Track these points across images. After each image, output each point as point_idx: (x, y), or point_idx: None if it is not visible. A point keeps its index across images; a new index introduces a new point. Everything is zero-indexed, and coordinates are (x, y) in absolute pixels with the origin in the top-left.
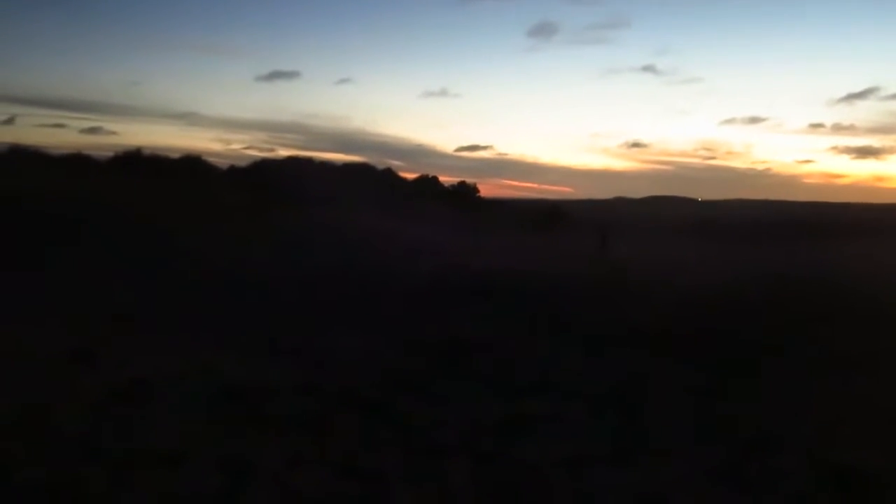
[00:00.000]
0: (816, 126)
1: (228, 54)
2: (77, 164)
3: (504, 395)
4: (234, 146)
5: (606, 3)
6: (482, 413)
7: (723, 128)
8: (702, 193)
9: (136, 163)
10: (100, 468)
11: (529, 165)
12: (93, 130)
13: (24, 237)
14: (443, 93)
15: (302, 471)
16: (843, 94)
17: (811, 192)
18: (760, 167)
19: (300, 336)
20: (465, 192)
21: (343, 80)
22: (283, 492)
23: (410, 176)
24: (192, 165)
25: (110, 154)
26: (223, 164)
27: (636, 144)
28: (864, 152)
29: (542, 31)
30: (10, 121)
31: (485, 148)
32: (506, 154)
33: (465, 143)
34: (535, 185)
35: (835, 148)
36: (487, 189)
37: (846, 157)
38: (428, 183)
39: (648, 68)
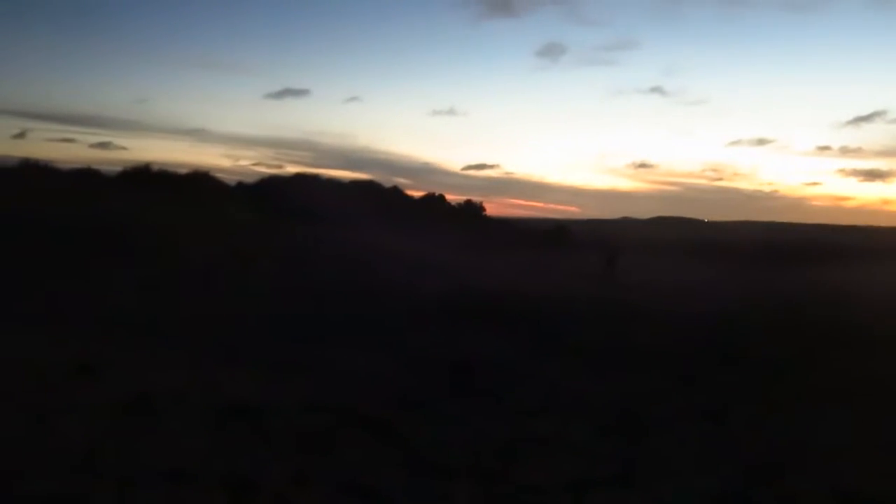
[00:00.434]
0: (824, 148)
1: (239, 71)
2: (86, 179)
3: (508, 415)
4: (243, 162)
5: (615, 24)
6: (486, 433)
7: (730, 149)
8: (708, 214)
9: (145, 178)
10: (103, 483)
11: (536, 184)
12: (102, 145)
13: (31, 250)
14: (450, 111)
15: (305, 489)
16: (851, 116)
17: (818, 214)
18: (767, 189)
19: (305, 353)
20: (471, 211)
21: (352, 99)
22: None
23: (417, 194)
24: (200, 181)
25: (119, 169)
26: (231, 179)
27: (643, 165)
28: (872, 175)
29: (551, 51)
30: (21, 135)
31: (492, 167)
32: (512, 173)
33: (472, 162)
34: (542, 205)
35: (842, 170)
36: (494, 208)
37: (853, 180)
38: (434, 201)
39: (656, 89)
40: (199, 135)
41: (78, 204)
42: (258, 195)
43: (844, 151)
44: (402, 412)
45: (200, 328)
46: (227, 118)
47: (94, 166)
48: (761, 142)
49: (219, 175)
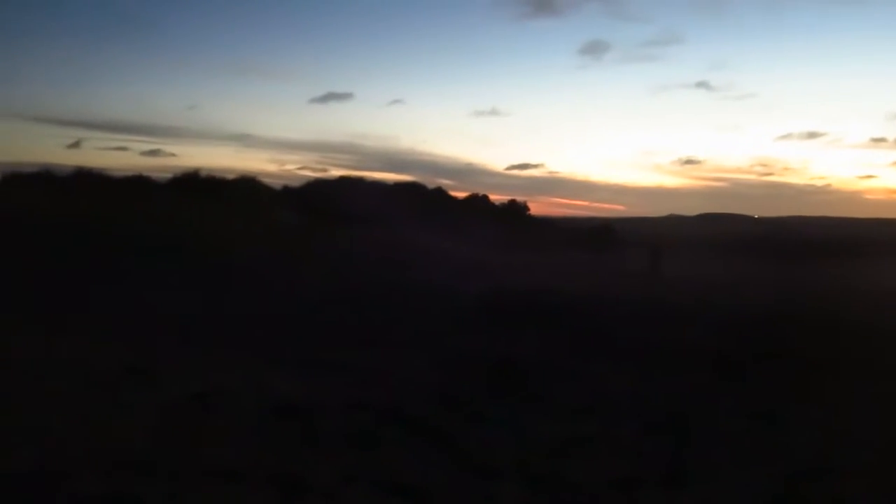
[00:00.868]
0: (878, 140)
1: (284, 77)
2: (138, 186)
3: (554, 415)
4: (288, 166)
5: (659, 20)
6: (532, 433)
7: (779, 143)
8: (758, 210)
9: (194, 183)
10: (155, 483)
11: (580, 183)
12: (153, 153)
13: (86, 255)
14: (493, 112)
15: (354, 488)
16: None
17: (873, 208)
18: (819, 183)
19: (350, 353)
20: (515, 211)
21: (394, 101)
22: None
23: (461, 195)
24: (247, 186)
25: (169, 175)
26: (277, 183)
27: (689, 161)
28: None
29: (594, 49)
30: (76, 144)
31: (535, 166)
32: (556, 172)
33: (516, 162)
34: (587, 203)
35: None
36: (538, 207)
37: None
38: (478, 202)
39: (702, 84)
40: (246, 140)
41: (130, 210)
42: (304, 198)
43: None
44: (448, 412)
45: (248, 329)
46: (272, 123)
47: (145, 173)
48: (812, 135)
49: (265, 179)
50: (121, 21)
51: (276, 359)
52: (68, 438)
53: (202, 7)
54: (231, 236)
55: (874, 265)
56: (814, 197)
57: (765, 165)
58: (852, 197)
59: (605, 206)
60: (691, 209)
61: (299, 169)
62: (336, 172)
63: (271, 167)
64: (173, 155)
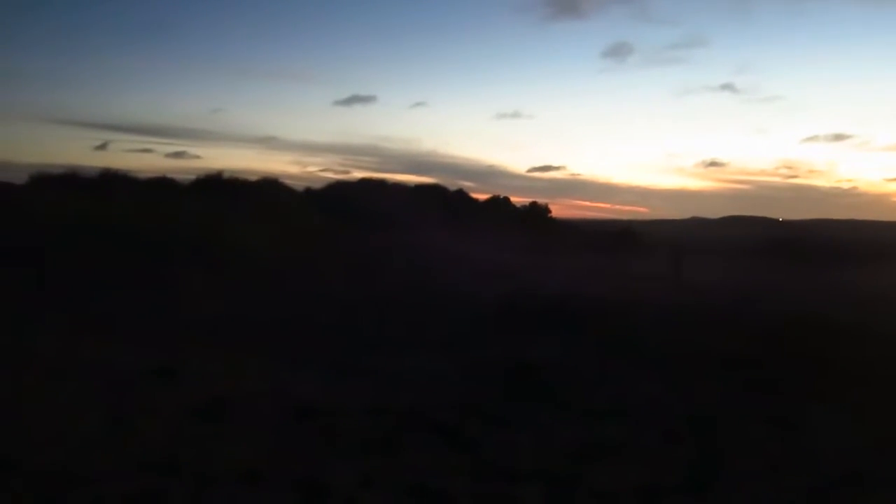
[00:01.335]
0: None
1: (308, 80)
2: (162, 187)
3: (577, 420)
4: (311, 169)
5: (683, 22)
6: (555, 437)
7: (805, 146)
8: (782, 213)
9: (218, 185)
10: (179, 483)
11: (603, 186)
12: (177, 155)
13: (112, 257)
14: (515, 114)
15: (374, 492)
16: None
17: None
18: (846, 186)
19: (371, 357)
20: (537, 213)
21: (417, 104)
22: None
23: (482, 197)
24: (270, 187)
25: (193, 177)
26: (300, 186)
27: (713, 163)
28: None
29: (618, 51)
30: (102, 146)
31: (557, 168)
32: (579, 174)
33: (538, 164)
34: (609, 206)
35: None
36: (560, 210)
37: None
38: (499, 204)
39: (727, 87)
40: (270, 142)
41: (154, 212)
42: (326, 201)
43: None
44: (469, 416)
45: (270, 332)
46: (296, 126)
47: (170, 175)
48: (839, 137)
49: (288, 181)
50: (147, 26)
51: (298, 361)
52: (93, 438)
53: (227, 11)
54: (254, 238)
55: None
56: (840, 200)
57: (790, 168)
58: (880, 200)
59: (628, 208)
60: (715, 212)
61: (322, 171)
62: (358, 175)
63: (294, 169)
64: (198, 157)
